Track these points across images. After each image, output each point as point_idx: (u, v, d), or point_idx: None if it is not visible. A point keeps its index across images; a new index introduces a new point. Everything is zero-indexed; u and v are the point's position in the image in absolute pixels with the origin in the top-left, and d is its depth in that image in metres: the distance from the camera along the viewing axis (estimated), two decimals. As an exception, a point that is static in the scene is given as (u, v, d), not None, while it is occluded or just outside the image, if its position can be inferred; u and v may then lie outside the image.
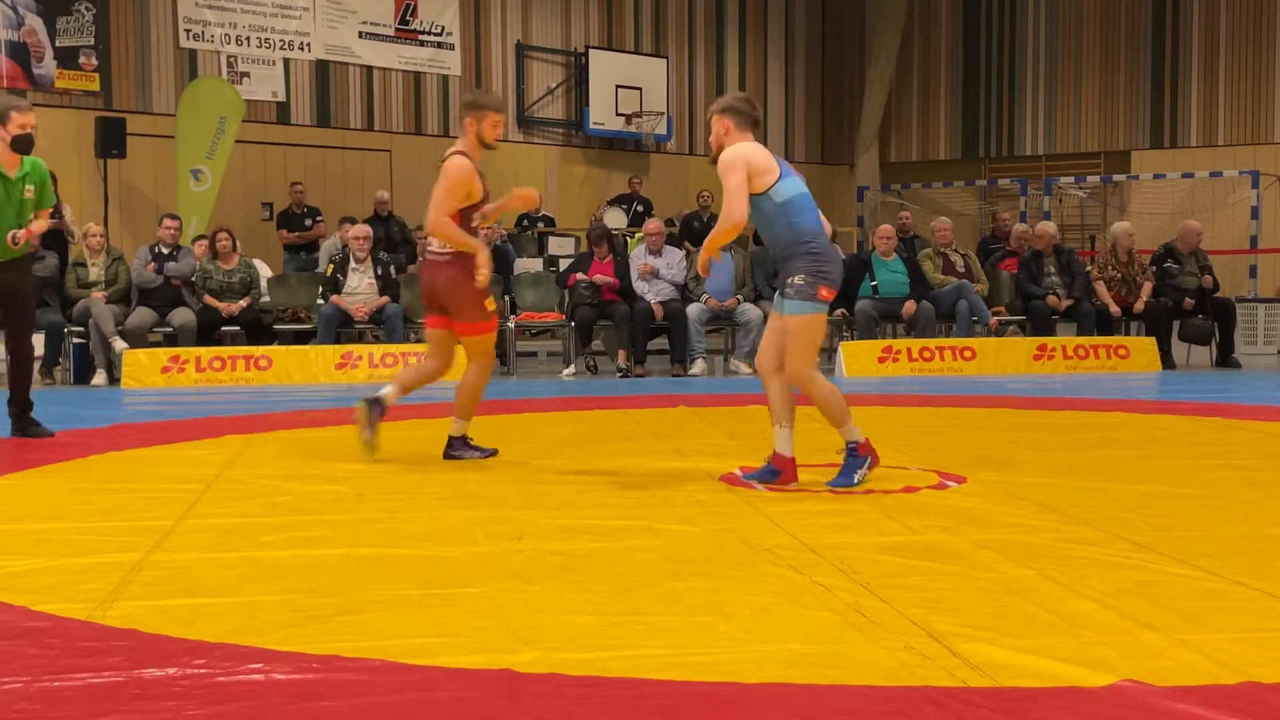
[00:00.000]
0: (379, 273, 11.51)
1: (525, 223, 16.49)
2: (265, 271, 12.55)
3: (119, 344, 10.63)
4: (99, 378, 10.65)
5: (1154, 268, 12.34)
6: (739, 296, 11.70)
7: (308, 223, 14.72)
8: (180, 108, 14.58)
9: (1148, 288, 12.12)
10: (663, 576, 3.70)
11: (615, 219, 16.53)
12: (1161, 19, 19.39)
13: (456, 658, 2.90)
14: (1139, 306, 12.04)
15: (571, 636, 3.08)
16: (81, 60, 14.57)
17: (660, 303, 11.47)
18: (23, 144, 6.68)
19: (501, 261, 12.63)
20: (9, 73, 14.13)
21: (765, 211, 5.23)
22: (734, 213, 5.13)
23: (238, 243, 11.76)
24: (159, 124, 14.82)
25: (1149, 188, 19.16)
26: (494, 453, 6.18)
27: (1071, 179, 19.89)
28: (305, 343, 11.39)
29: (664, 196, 18.60)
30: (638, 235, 14.46)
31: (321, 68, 16.43)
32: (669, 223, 16.07)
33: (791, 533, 4.26)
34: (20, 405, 7.02)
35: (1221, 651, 2.90)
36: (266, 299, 11.92)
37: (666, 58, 19.54)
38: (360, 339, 11.79)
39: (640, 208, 17.24)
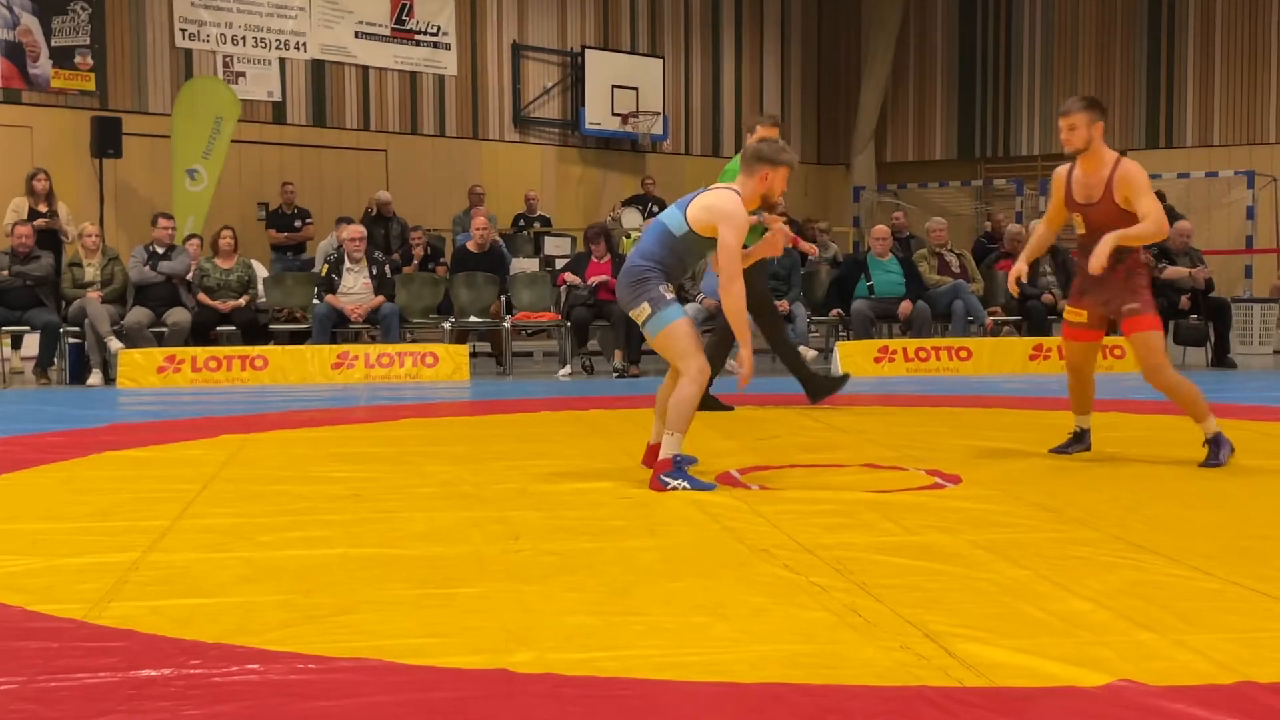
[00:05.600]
0: (374, 273, 11.51)
1: (521, 222, 16.49)
2: (262, 272, 12.55)
3: (114, 344, 10.62)
4: (94, 378, 10.64)
5: (1149, 268, 12.35)
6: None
7: (296, 224, 14.72)
8: (176, 107, 14.57)
9: (1144, 288, 12.12)
10: (659, 577, 3.69)
11: (632, 219, 16.51)
12: (1157, 19, 19.40)
13: (452, 658, 2.89)
14: (1135, 307, 12.03)
15: (568, 636, 3.07)
16: (77, 60, 14.56)
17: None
18: None
19: (497, 262, 12.62)
20: (4, 72, 14.12)
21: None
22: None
23: (238, 243, 11.79)
24: (155, 124, 14.82)
25: (1145, 188, 19.13)
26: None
27: (1067, 179, 19.86)
28: (301, 343, 11.38)
29: (660, 197, 18.61)
30: (634, 234, 14.46)
31: (317, 67, 16.42)
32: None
33: (788, 533, 4.26)
34: None
35: (1218, 651, 2.90)
36: (263, 299, 11.92)
37: (663, 58, 19.53)
38: (356, 339, 11.79)
39: (656, 208, 17.19)
